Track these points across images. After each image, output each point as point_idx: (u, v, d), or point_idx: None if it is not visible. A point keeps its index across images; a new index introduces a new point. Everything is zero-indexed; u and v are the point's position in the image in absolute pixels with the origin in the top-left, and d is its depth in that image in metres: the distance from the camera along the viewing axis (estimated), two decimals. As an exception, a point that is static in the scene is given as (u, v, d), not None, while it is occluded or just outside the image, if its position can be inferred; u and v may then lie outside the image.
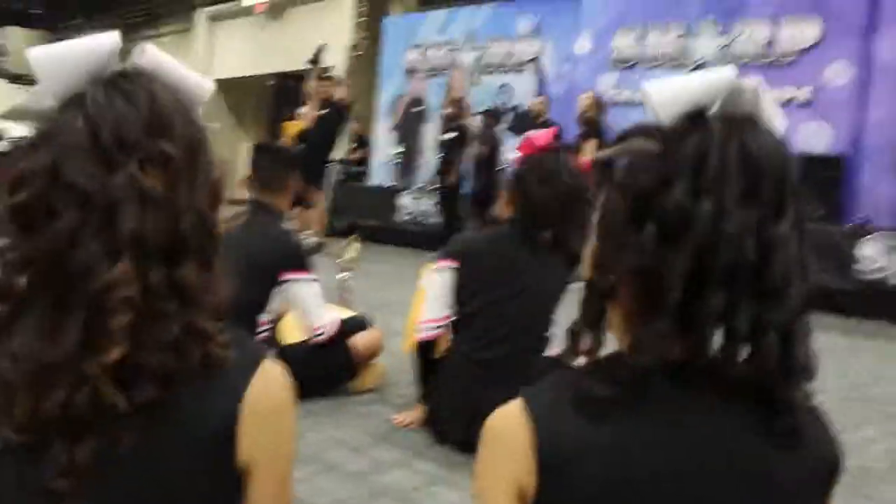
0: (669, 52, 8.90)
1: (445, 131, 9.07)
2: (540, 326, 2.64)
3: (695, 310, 0.68)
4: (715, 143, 0.70)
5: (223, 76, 18.99)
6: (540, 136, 2.69)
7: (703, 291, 0.68)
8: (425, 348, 2.76)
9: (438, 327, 2.72)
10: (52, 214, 0.66)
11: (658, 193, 0.70)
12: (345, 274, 3.84)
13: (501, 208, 2.73)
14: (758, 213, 0.69)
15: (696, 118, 0.73)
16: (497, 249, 2.71)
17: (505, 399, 2.37)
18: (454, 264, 2.71)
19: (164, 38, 21.67)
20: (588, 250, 0.78)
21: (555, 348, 2.63)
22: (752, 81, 0.76)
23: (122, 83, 0.73)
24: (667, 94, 0.74)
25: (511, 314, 2.62)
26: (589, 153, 7.31)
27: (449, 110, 9.18)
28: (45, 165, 0.67)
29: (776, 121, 0.76)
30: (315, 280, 3.01)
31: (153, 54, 0.76)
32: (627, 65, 9.20)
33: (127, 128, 0.69)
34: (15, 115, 0.76)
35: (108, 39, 0.75)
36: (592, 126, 7.62)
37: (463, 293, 2.68)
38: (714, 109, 0.73)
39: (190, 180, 0.71)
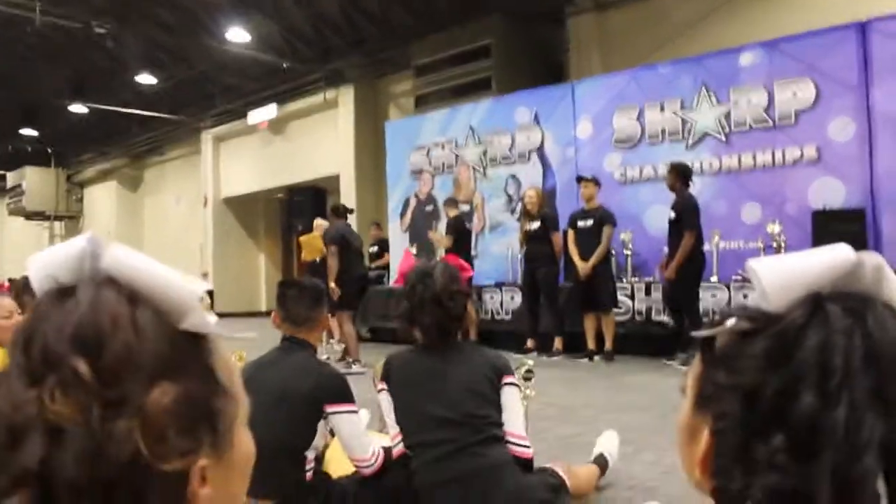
0: (669, 128, 9.05)
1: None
2: (471, 421, 2.68)
3: None
4: (838, 337, 0.64)
5: (232, 193, 19.41)
6: (404, 262, 3.05)
7: None
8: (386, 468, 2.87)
9: (395, 445, 2.81)
10: None
11: (782, 399, 0.64)
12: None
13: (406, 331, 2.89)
14: (888, 417, 0.63)
15: (812, 306, 0.67)
16: (411, 362, 2.85)
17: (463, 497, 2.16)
18: (384, 385, 2.84)
19: (171, 163, 22.23)
20: (689, 446, 0.73)
21: (518, 449, 2.69)
22: (874, 257, 0.68)
23: (75, 290, 0.63)
24: (780, 277, 0.68)
25: (435, 415, 2.69)
26: (557, 244, 8.41)
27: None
28: (20, 378, 0.60)
29: None
30: (357, 411, 2.99)
31: (116, 256, 0.65)
32: (630, 144, 9.37)
33: (55, 341, 0.59)
34: None
35: (79, 242, 0.65)
36: (550, 221, 8.56)
37: (398, 410, 2.80)
38: (828, 289, 0.67)
39: (113, 408, 0.58)
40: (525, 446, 2.72)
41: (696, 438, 0.72)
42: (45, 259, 0.66)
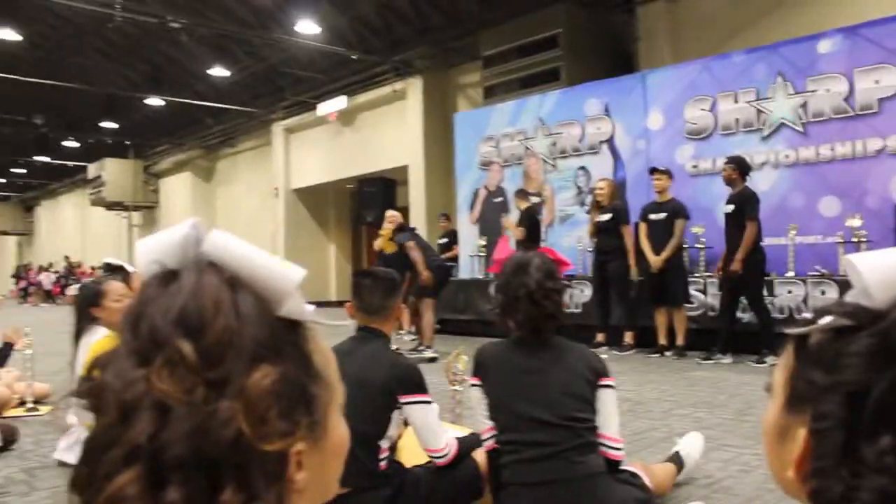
0: (743, 118, 8.86)
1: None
2: (568, 425, 2.62)
3: None
4: None
5: (302, 184, 19.71)
6: (501, 250, 2.87)
7: None
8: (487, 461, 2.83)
9: (486, 439, 2.77)
10: (98, 411, 0.61)
11: (889, 399, 0.62)
12: (456, 387, 3.84)
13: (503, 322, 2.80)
14: None
15: None
16: (504, 357, 2.77)
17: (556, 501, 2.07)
18: (477, 381, 2.79)
19: (243, 154, 22.69)
20: (779, 446, 0.72)
21: (611, 452, 2.65)
22: None
23: (180, 274, 0.66)
24: (883, 272, 0.66)
25: (531, 415, 2.63)
26: (628, 237, 8.30)
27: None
28: (130, 358, 0.62)
29: None
30: (431, 402, 3.01)
31: (217, 242, 0.68)
32: (703, 135, 9.20)
33: (161, 322, 0.62)
34: None
35: (183, 229, 0.69)
36: (620, 213, 8.44)
37: (489, 406, 2.75)
38: None
39: (216, 388, 0.60)
40: (618, 449, 2.69)
41: (787, 439, 0.70)
42: (151, 244, 0.69)
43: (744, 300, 7.46)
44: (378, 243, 9.30)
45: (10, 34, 16.19)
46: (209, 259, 0.67)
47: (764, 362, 7.00)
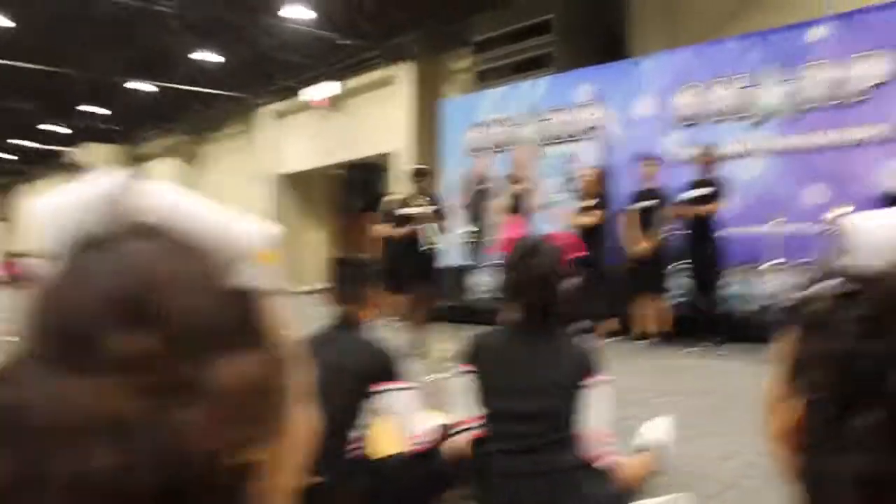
0: (733, 105, 8.80)
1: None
2: (551, 418, 2.57)
3: None
4: None
5: (290, 170, 19.58)
6: (511, 229, 2.80)
7: None
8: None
9: (471, 428, 2.72)
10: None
11: (881, 369, 0.56)
12: (437, 375, 3.79)
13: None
14: None
15: None
16: (501, 345, 2.72)
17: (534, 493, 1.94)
18: (470, 368, 2.71)
19: (228, 139, 22.54)
20: (777, 416, 0.66)
21: (590, 449, 2.59)
22: None
23: (107, 243, 0.49)
24: (881, 236, 0.63)
25: (519, 409, 2.58)
26: (599, 219, 8.30)
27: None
28: (52, 364, 0.45)
29: None
30: (408, 388, 2.95)
31: (155, 197, 0.53)
32: (692, 122, 9.13)
33: (97, 311, 0.45)
34: None
35: (105, 183, 0.53)
36: (602, 199, 8.53)
37: (480, 395, 2.69)
38: None
39: (184, 390, 0.45)
40: (605, 446, 2.64)
41: (781, 409, 0.66)
42: (59, 203, 0.53)
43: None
44: (376, 230, 9.15)
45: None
46: (147, 220, 0.51)
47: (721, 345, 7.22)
